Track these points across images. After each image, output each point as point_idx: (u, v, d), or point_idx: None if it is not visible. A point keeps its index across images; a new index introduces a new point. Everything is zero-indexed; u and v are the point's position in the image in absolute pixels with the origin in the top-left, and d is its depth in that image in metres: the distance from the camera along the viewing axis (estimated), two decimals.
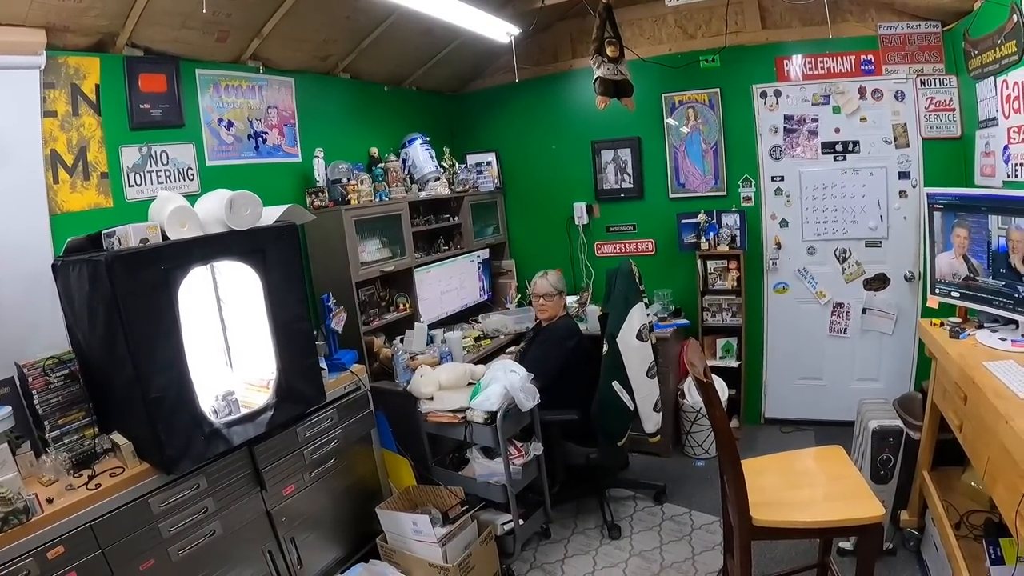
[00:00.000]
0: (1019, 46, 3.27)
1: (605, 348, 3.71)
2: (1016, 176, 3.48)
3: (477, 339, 4.73)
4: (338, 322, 3.64)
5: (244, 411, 2.87)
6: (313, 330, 3.35)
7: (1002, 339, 2.87)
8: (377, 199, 4.19)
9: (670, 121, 5.01)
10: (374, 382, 3.86)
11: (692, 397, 4.62)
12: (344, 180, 4.04)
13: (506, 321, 4.89)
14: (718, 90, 4.87)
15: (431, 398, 3.67)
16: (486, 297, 5.33)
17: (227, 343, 3.24)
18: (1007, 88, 3.52)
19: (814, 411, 5.07)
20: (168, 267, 2.50)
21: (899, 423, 3.43)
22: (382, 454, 3.72)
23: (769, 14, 4.74)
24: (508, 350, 4.67)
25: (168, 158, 3.42)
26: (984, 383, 2.43)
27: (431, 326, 4.48)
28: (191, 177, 3.53)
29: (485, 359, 4.44)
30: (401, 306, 4.39)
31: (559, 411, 3.77)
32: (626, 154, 5.21)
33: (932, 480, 3.23)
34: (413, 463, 3.73)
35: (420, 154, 4.75)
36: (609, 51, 4.01)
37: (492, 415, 3.40)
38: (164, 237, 2.63)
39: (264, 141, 3.90)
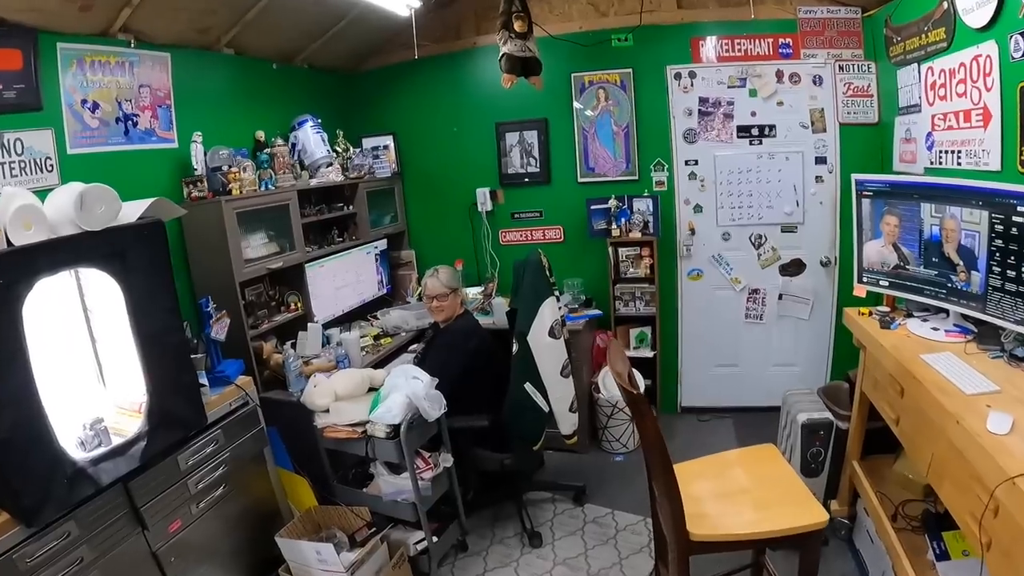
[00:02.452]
0: (948, 33, 3.32)
1: (515, 348, 3.52)
2: (940, 163, 3.54)
3: (376, 338, 4.47)
4: (220, 329, 3.29)
5: (116, 441, 2.51)
6: (192, 340, 3.05)
7: (934, 329, 2.88)
8: (262, 188, 3.84)
9: (577, 105, 4.89)
10: (265, 392, 3.55)
11: (608, 391, 4.54)
12: (225, 167, 3.67)
13: (407, 317, 4.63)
14: (630, 70, 4.78)
15: (327, 410, 3.40)
16: (385, 291, 5.06)
17: (98, 359, 2.83)
18: (932, 75, 3.58)
19: (731, 398, 5.11)
20: (7, 281, 2.11)
21: (828, 415, 3.43)
22: (278, 473, 3.43)
23: None
24: (410, 348, 4.45)
25: (23, 147, 2.95)
26: (926, 378, 2.41)
27: (327, 325, 4.20)
28: (50, 168, 3.06)
29: (386, 360, 4.21)
30: (292, 305, 4.07)
31: (468, 417, 3.58)
32: (532, 137, 5.03)
33: (863, 470, 3.24)
34: (312, 482, 3.47)
35: (311, 138, 4.40)
36: (517, 26, 3.83)
37: (395, 428, 3.15)
38: (9, 243, 2.23)
39: (135, 125, 3.48)
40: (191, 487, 2.82)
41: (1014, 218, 2.43)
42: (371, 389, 3.55)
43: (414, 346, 4.47)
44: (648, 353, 4.90)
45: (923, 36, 3.58)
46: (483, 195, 5.17)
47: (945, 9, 3.30)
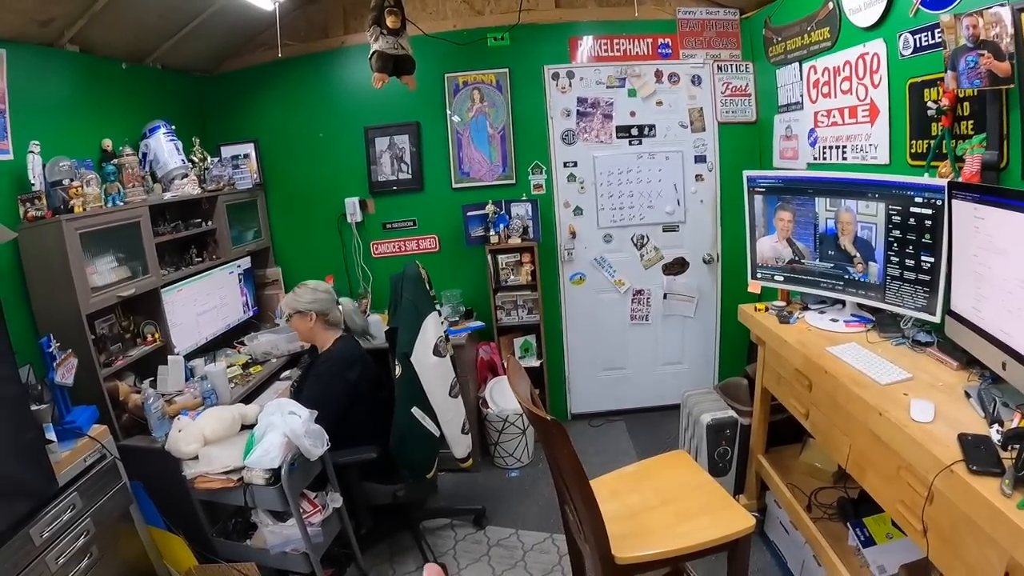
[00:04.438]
0: (833, 33, 3.54)
1: (398, 370, 3.37)
2: (824, 158, 3.76)
3: (245, 366, 4.17)
4: (66, 372, 2.87)
5: None
6: (35, 387, 2.71)
7: (833, 320, 3.02)
8: (109, 204, 3.48)
9: (452, 114, 4.82)
10: (126, 440, 3.20)
11: (497, 405, 4.49)
12: (66, 181, 3.29)
13: (277, 341, 4.37)
14: (507, 70, 4.76)
15: (196, 457, 3.09)
16: (252, 313, 4.76)
17: None
18: (815, 73, 3.81)
19: (621, 401, 5.21)
20: None
21: (732, 413, 3.54)
22: (149, 533, 3.11)
23: None
24: (283, 375, 4.20)
25: None
26: (838, 371, 2.51)
27: (189, 356, 3.86)
28: None
29: (258, 390, 3.95)
30: (150, 337, 3.70)
31: (353, 451, 3.35)
32: (403, 141, 4.90)
33: (769, 463, 3.36)
34: (188, 540, 3.13)
35: (164, 146, 4.04)
36: (389, 21, 3.70)
37: (275, 472, 2.91)
38: None
39: None
40: (51, 564, 2.47)
41: (911, 209, 2.59)
42: (244, 427, 3.26)
43: (287, 372, 4.22)
44: (534, 362, 4.89)
45: (806, 36, 3.81)
46: (352, 205, 4.97)
47: (831, 10, 3.52)
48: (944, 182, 2.46)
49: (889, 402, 2.18)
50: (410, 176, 4.96)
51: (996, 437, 1.84)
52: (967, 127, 2.58)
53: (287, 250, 5.20)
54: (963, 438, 1.85)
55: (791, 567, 3.23)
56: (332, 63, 4.90)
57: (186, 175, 4.11)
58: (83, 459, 2.74)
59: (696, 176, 4.80)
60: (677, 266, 4.92)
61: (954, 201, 2.37)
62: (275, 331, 4.53)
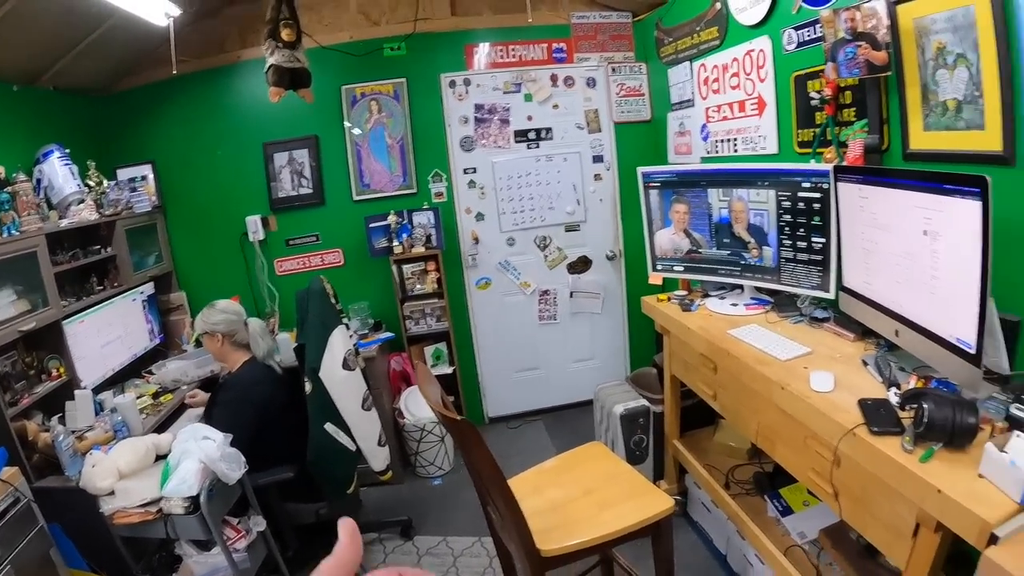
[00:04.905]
0: (721, 32, 3.70)
1: (309, 387, 3.31)
2: (717, 152, 3.93)
3: (155, 395, 3.99)
4: None
5: None
6: None
7: (733, 304, 3.14)
8: (4, 234, 3.30)
9: (348, 125, 4.76)
10: (40, 481, 3.00)
11: (413, 415, 4.46)
12: None
13: (185, 368, 4.20)
14: (404, 80, 4.74)
15: (112, 492, 2.94)
16: (158, 341, 4.57)
17: None
18: (705, 71, 3.97)
19: (537, 401, 5.26)
20: None
21: (643, 402, 3.63)
22: None
23: (460, 1, 4.77)
24: (189, 394, 4.07)
25: None
26: (740, 352, 2.62)
27: (97, 390, 3.66)
28: None
29: (171, 419, 3.79)
30: (54, 372, 3.49)
31: (271, 472, 3.29)
32: (303, 156, 4.81)
33: (685, 447, 3.47)
34: None
35: (59, 171, 3.83)
36: (285, 34, 3.62)
37: (194, 500, 2.81)
38: None
39: None
40: None
41: (799, 194, 2.74)
42: (159, 457, 3.14)
43: (196, 391, 4.11)
44: (447, 369, 4.89)
45: (695, 36, 3.97)
46: (254, 223, 4.83)
47: (718, 10, 3.67)
48: (829, 167, 2.62)
49: (791, 376, 2.29)
50: (311, 191, 4.87)
51: (894, 399, 1.96)
52: (849, 114, 2.75)
53: (190, 273, 5.00)
54: (863, 403, 1.97)
55: (717, 545, 3.34)
56: (229, 78, 4.76)
57: (83, 200, 3.91)
58: None
59: (595, 176, 4.92)
60: (581, 264, 5.02)
61: (839, 184, 2.52)
62: (183, 357, 4.37)
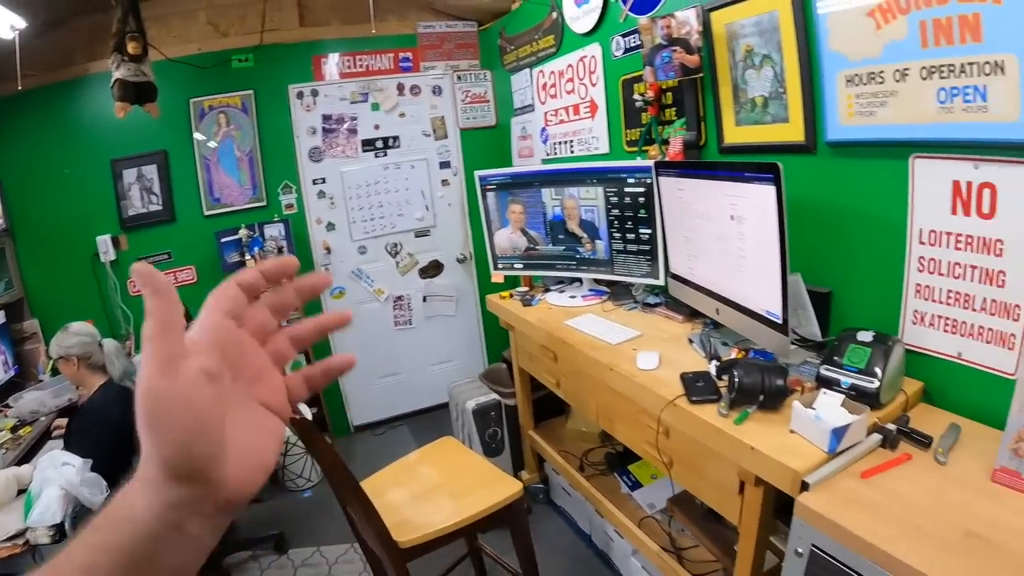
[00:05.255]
0: (557, 39, 3.81)
1: None
2: (556, 153, 4.06)
3: (14, 429, 3.72)
4: None
5: None
6: None
7: (572, 297, 3.27)
8: None
9: (198, 136, 4.54)
10: None
11: None
12: None
13: (43, 398, 3.89)
14: (252, 92, 4.59)
15: None
16: (13, 372, 4.24)
17: None
18: (543, 77, 4.08)
19: (400, 406, 5.21)
20: None
21: (494, 396, 3.69)
22: None
23: (308, 11, 4.66)
24: (54, 425, 3.82)
25: None
26: (575, 340, 2.74)
27: None
28: None
29: (34, 450, 3.54)
30: None
31: None
32: (152, 172, 4.54)
33: (540, 436, 3.55)
34: None
35: None
36: (131, 48, 3.45)
37: (59, 527, 2.67)
38: None
39: None
40: None
41: (626, 189, 2.89)
42: (22, 491, 2.93)
43: (61, 420, 3.85)
44: None
45: (534, 43, 4.08)
46: (105, 243, 4.50)
47: (554, 19, 3.79)
48: (651, 163, 2.77)
49: (620, 358, 2.42)
50: (160, 207, 4.59)
51: (713, 371, 2.09)
52: (671, 114, 2.92)
53: (43, 299, 4.59)
54: (684, 376, 2.10)
55: (581, 526, 3.43)
56: (77, 93, 4.42)
57: None
58: None
59: (443, 181, 4.95)
60: (433, 269, 5.03)
61: (661, 178, 2.67)
62: (40, 388, 4.05)
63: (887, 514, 1.47)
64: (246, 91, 4.57)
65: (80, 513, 2.76)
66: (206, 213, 4.67)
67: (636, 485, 2.94)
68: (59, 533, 2.67)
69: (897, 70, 1.89)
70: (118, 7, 3.46)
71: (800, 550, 1.59)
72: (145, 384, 0.47)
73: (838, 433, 1.65)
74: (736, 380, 1.88)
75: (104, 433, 3.14)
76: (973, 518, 1.42)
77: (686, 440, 2.05)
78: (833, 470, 1.63)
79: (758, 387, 1.85)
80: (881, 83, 1.95)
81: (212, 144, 4.57)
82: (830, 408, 1.74)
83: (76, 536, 0.47)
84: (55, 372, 3.92)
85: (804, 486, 1.60)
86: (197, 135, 4.54)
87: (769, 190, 1.94)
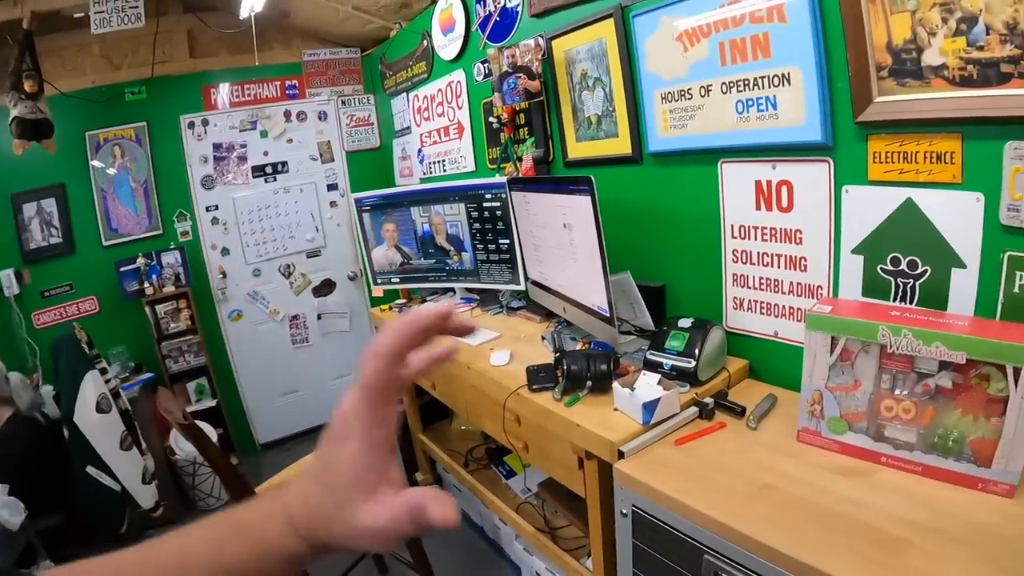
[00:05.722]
0: (428, 66, 3.97)
1: (67, 433, 3.25)
2: (432, 172, 4.23)
3: None
4: None
5: None
6: None
7: None
8: None
9: (95, 163, 4.49)
10: None
11: (182, 449, 4.31)
12: None
13: None
14: (145, 124, 4.58)
15: None
16: None
17: None
18: (418, 101, 4.24)
19: (304, 421, 5.21)
20: None
21: None
22: None
23: (198, 43, 4.68)
24: None
25: None
26: (440, 343, 2.83)
27: None
28: None
29: None
30: None
31: (43, 518, 3.13)
32: (51, 204, 4.44)
33: (428, 438, 3.69)
34: None
35: None
36: (28, 86, 3.48)
37: None
38: None
39: None
40: None
41: (484, 204, 3.07)
42: None
43: None
44: (211, 402, 4.74)
45: (409, 69, 4.22)
46: (7, 277, 4.34)
47: (425, 47, 3.95)
48: (505, 179, 2.95)
49: (477, 357, 2.58)
50: (60, 239, 4.50)
51: (553, 363, 2.25)
52: (524, 133, 3.09)
53: None
54: (528, 368, 2.26)
55: (474, 519, 3.56)
56: None
57: None
58: None
59: (331, 203, 5.04)
60: (326, 287, 5.10)
61: (513, 193, 2.84)
62: None
63: (692, 474, 1.65)
64: (139, 123, 4.56)
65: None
66: (105, 244, 4.61)
67: (510, 474, 3.10)
68: None
69: (702, 86, 2.11)
70: (15, 46, 3.48)
71: (624, 511, 1.76)
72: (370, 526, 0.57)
73: (649, 407, 1.83)
74: (565, 368, 2.06)
75: (10, 463, 3.14)
76: (772, 473, 1.60)
77: (533, 426, 2.22)
78: (647, 440, 1.81)
79: (584, 372, 2.03)
80: (690, 99, 2.17)
81: (111, 171, 4.54)
82: (647, 386, 1.92)
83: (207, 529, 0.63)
84: None
85: (621, 455, 1.77)
86: (95, 162, 4.50)
87: (586, 200, 2.13)
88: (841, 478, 1.54)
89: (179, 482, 4.40)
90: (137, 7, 3.68)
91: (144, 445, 3.66)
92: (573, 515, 2.59)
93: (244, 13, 4.00)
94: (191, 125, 4.70)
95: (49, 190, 4.47)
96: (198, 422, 3.35)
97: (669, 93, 2.25)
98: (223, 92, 4.73)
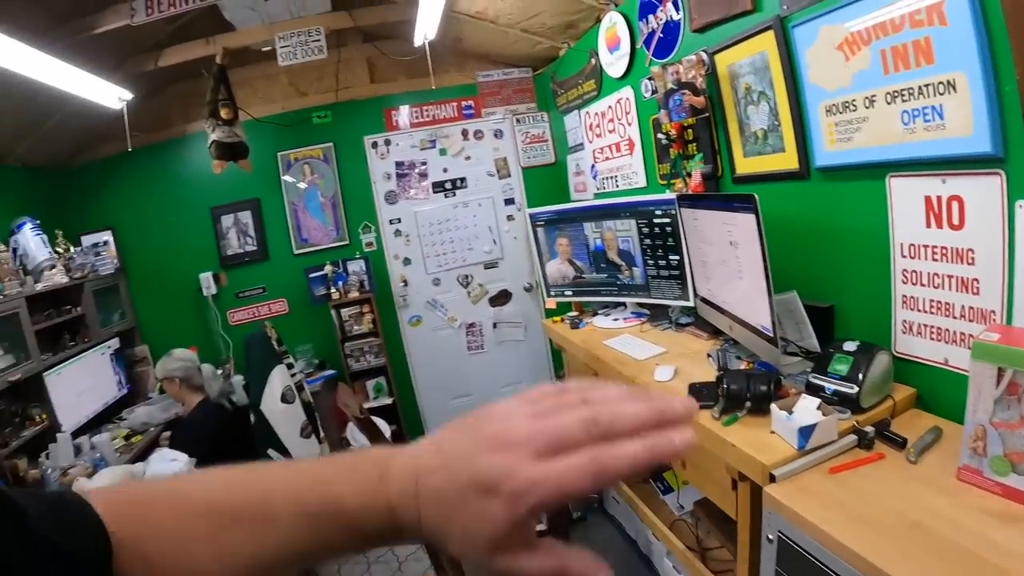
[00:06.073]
0: (597, 84, 4.06)
1: (253, 418, 3.59)
2: (605, 188, 4.30)
3: (127, 437, 4.20)
4: None
5: None
6: None
7: (615, 320, 3.45)
8: None
9: (287, 179, 5.04)
10: None
11: (357, 441, 4.63)
12: None
13: (152, 412, 4.40)
14: (331, 144, 5.05)
15: None
16: (126, 390, 4.74)
17: None
18: (589, 118, 4.34)
19: None
20: None
21: None
22: None
23: (377, 69, 5.11)
24: (162, 437, 4.28)
25: None
26: (607, 356, 2.94)
27: (75, 433, 3.87)
28: None
29: (142, 455, 4.00)
30: (37, 418, 3.72)
31: None
32: (247, 216, 5.06)
33: None
34: None
35: (31, 240, 4.03)
36: (224, 113, 3.96)
37: None
38: None
39: None
40: None
41: (655, 220, 3.09)
42: None
43: (167, 432, 4.30)
44: (388, 400, 5.09)
45: (580, 87, 4.34)
46: (206, 280, 5.05)
47: (594, 65, 4.04)
48: (674, 196, 2.96)
49: (641, 372, 2.61)
50: (256, 248, 5.11)
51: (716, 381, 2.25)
52: (693, 149, 3.07)
53: (152, 328, 5.17)
54: (691, 386, 2.27)
55: (629, 532, 3.57)
56: (177, 150, 4.99)
57: (54, 266, 4.09)
58: None
59: (508, 217, 5.24)
60: (502, 297, 5.31)
61: (682, 209, 2.85)
62: (149, 403, 4.57)
63: (842, 505, 1.59)
64: (326, 143, 5.03)
65: None
66: (295, 252, 5.12)
67: (668, 490, 3.09)
68: None
69: (866, 97, 2.02)
70: (210, 78, 3.92)
71: (770, 536, 1.73)
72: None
73: (805, 432, 1.79)
74: (725, 387, 2.06)
75: (200, 442, 3.54)
76: (925, 511, 1.50)
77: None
78: (801, 465, 1.77)
79: (744, 393, 2.02)
80: (854, 110, 2.08)
81: (301, 185, 5.03)
82: (805, 411, 1.88)
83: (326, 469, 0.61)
84: (162, 391, 4.38)
85: (772, 479, 1.76)
86: (286, 177, 5.00)
87: (750, 218, 2.11)
88: (1000, 524, 1.42)
89: None
90: (319, 40, 4.07)
91: (322, 434, 3.97)
92: (725, 537, 2.55)
93: (419, 41, 4.26)
94: (374, 145, 5.09)
95: (245, 204, 5.05)
96: (373, 417, 3.60)
97: (833, 105, 2.17)
98: (403, 114, 5.08)
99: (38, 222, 4.16)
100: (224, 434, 3.71)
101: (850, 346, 2.07)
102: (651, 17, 3.20)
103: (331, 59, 4.48)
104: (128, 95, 4.05)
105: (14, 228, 4.09)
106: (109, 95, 3.96)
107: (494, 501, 0.49)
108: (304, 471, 0.63)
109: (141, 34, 4.00)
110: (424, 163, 5.14)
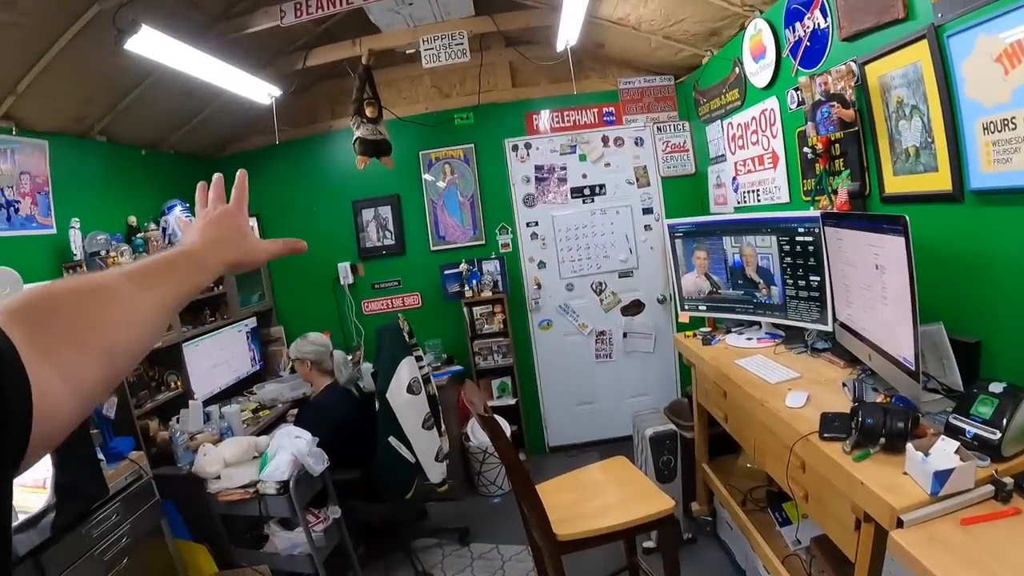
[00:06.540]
0: (741, 93, 3.95)
1: (378, 405, 3.72)
2: (745, 201, 4.16)
3: (255, 411, 4.51)
4: (109, 407, 3.31)
5: (22, 517, 2.53)
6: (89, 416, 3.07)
7: (748, 339, 3.34)
8: None
9: (427, 177, 5.21)
10: (155, 469, 3.50)
11: (476, 438, 4.75)
12: (103, 252, 3.72)
13: (281, 390, 4.70)
14: (472, 145, 5.19)
15: (218, 477, 3.45)
16: (258, 367, 5.09)
17: None
18: (732, 129, 4.23)
19: (594, 432, 5.44)
20: None
21: (671, 426, 3.82)
22: (176, 545, 3.41)
23: (519, 73, 5.22)
24: (289, 414, 4.53)
25: None
26: (738, 377, 2.84)
27: (206, 402, 4.19)
28: None
29: (267, 429, 4.26)
30: (172, 384, 4.08)
31: (342, 471, 3.70)
32: (387, 211, 5.30)
33: (712, 470, 3.63)
34: (211, 548, 3.49)
35: (181, 222, 4.47)
36: (368, 112, 4.15)
37: (284, 484, 3.29)
38: None
39: (16, 211, 3.41)
40: (97, 558, 2.83)
41: (797, 238, 2.96)
42: (255, 458, 3.63)
43: (294, 410, 4.55)
44: (511, 401, 5.17)
45: (722, 97, 4.24)
46: (344, 269, 5.34)
47: (737, 74, 3.94)
48: (818, 213, 2.83)
49: (772, 396, 2.50)
50: (393, 242, 5.34)
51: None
52: (840, 165, 2.93)
53: (288, 310, 5.54)
54: (824, 415, 2.15)
55: (739, 560, 3.47)
56: (321, 145, 5.30)
57: None
58: (124, 478, 3.13)
59: (645, 226, 5.19)
60: (634, 307, 5.25)
61: (826, 228, 2.72)
62: (280, 381, 4.89)
63: (971, 560, 1.48)
64: (467, 144, 5.17)
65: (302, 477, 3.36)
66: (432, 248, 5.31)
67: (786, 522, 2.96)
68: (284, 488, 3.29)
69: None
70: (356, 78, 4.13)
71: None
72: (236, 219, 1.07)
73: (940, 477, 1.67)
74: (860, 420, 1.95)
75: (324, 427, 3.72)
76: None
77: (817, 476, 2.11)
78: (932, 512, 1.65)
79: (879, 428, 1.91)
80: (1014, 129, 1.93)
81: (441, 184, 5.20)
82: (943, 453, 1.75)
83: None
84: (292, 370, 4.64)
85: (900, 523, 1.65)
86: (427, 176, 5.19)
87: (899, 241, 1.99)
88: None
89: (468, 466, 4.89)
90: (463, 44, 4.18)
91: (443, 428, 4.08)
92: None
93: (560, 47, 4.32)
94: (515, 148, 5.18)
95: (385, 199, 5.29)
96: (496, 416, 3.64)
97: (991, 122, 2.01)
98: (544, 118, 5.13)
99: (188, 205, 4.50)
100: (348, 419, 3.89)
101: (996, 387, 1.91)
102: (798, 24, 3.09)
103: (474, 62, 4.58)
104: (277, 91, 4.33)
105: (165, 209, 4.48)
106: (260, 91, 4.25)
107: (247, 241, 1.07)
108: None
109: (290, 34, 4.29)
110: (564, 168, 5.17)
